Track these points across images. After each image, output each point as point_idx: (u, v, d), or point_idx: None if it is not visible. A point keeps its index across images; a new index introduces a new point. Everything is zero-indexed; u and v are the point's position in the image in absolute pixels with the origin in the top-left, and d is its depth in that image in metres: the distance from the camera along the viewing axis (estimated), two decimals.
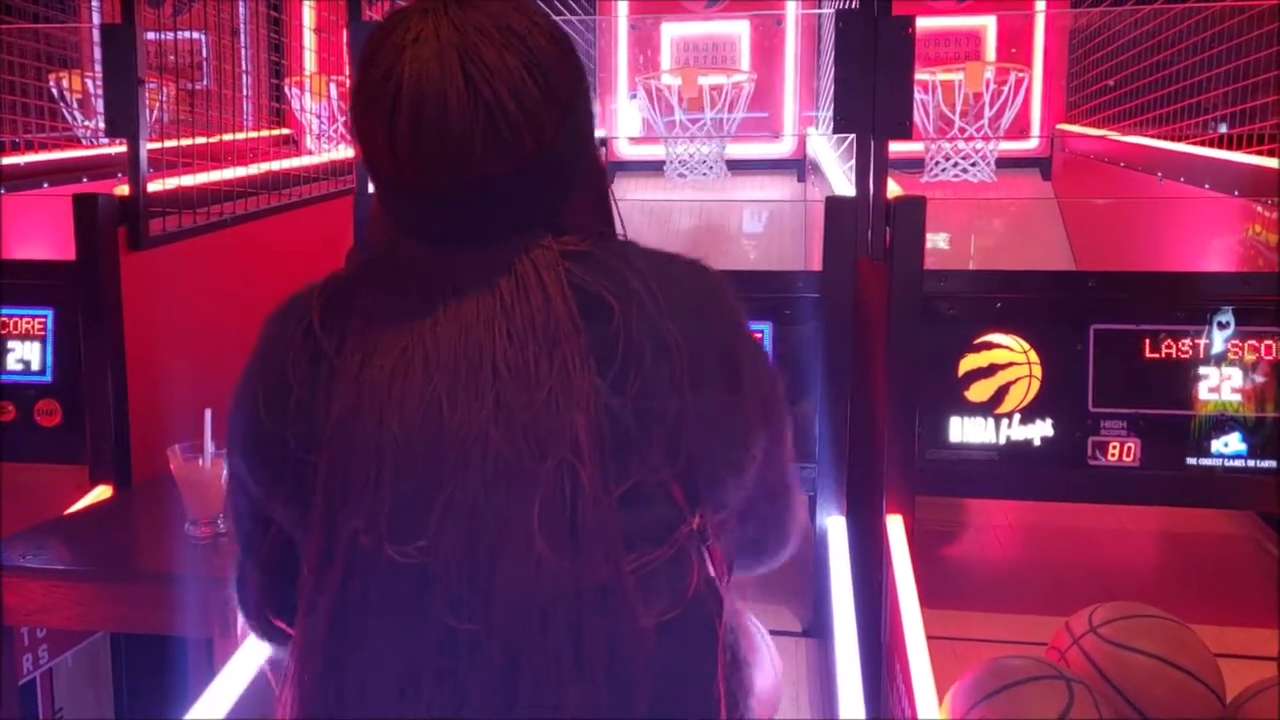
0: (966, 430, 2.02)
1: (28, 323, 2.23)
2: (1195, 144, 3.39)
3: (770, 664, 1.31)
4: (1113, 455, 2.00)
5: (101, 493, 2.17)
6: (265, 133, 4.37)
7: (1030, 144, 5.27)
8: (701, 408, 0.79)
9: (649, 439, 0.77)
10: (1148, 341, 2.00)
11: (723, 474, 0.83)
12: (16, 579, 1.86)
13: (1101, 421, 2.01)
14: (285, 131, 4.65)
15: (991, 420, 2.02)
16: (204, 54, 3.79)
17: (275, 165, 2.87)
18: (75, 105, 4.16)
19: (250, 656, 1.69)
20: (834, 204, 2.08)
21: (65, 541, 2.00)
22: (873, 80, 1.99)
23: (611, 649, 0.74)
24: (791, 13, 5.27)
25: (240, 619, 0.96)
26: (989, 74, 4.88)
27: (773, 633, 2.10)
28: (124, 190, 2.17)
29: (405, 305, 0.78)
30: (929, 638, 1.68)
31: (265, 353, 0.85)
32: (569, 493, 0.73)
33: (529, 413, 0.74)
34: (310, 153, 4.15)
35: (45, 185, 3.15)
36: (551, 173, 0.81)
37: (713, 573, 0.86)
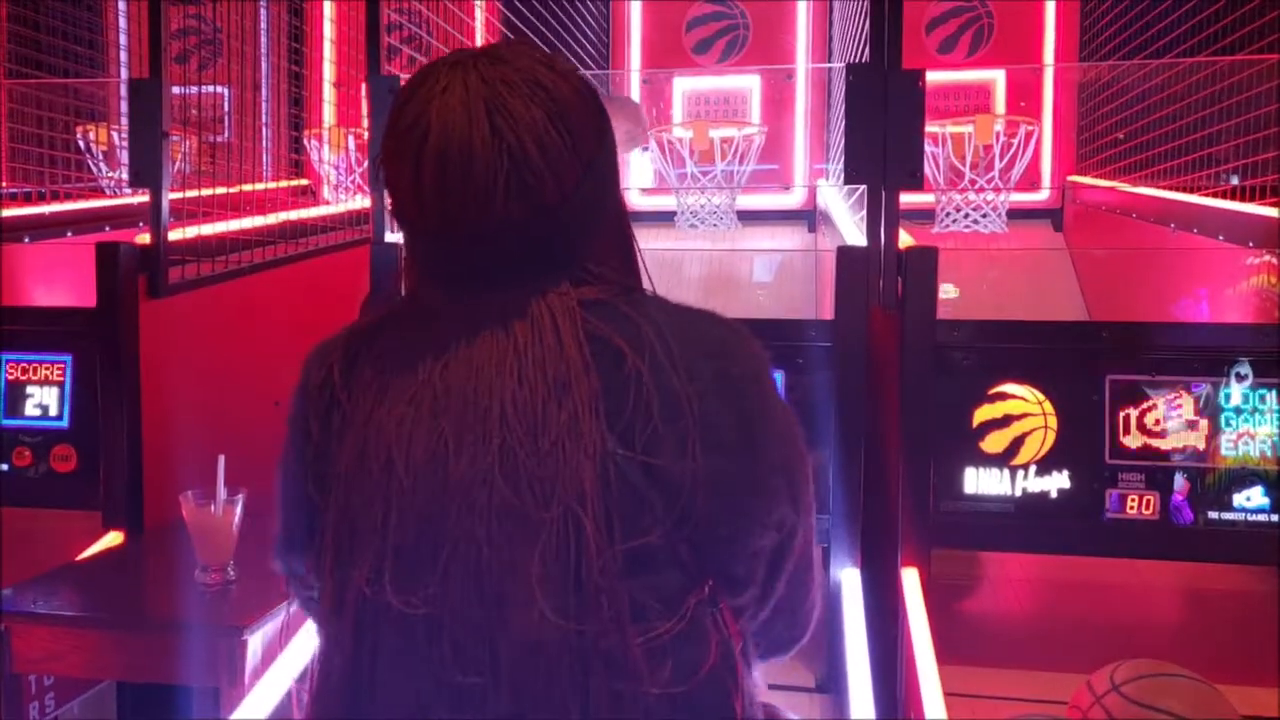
0: (982, 482, 2.00)
1: (47, 368, 2.25)
2: (1207, 195, 3.40)
3: None
4: (1131, 508, 1.98)
5: (113, 539, 2.17)
6: (284, 183, 4.43)
7: (1041, 195, 5.30)
8: (713, 472, 0.78)
9: (656, 498, 0.75)
10: (1164, 392, 1.99)
11: (733, 545, 0.81)
12: (24, 625, 1.85)
13: (1119, 474, 1.99)
14: (304, 182, 4.72)
15: (1007, 472, 2.00)
16: (225, 108, 3.87)
17: (293, 215, 2.91)
18: (100, 157, 4.23)
19: (257, 704, 1.68)
20: (846, 254, 2.09)
21: (74, 588, 1.99)
22: (883, 132, 2.01)
23: (617, 710, 0.73)
24: (802, 67, 5.34)
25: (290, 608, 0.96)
26: (999, 126, 4.92)
27: (785, 688, 2.07)
28: (145, 239, 2.20)
29: (419, 349, 0.79)
30: (946, 694, 1.65)
31: (295, 400, 0.87)
32: (573, 545, 0.72)
33: (535, 459, 0.74)
34: (327, 203, 4.20)
35: (69, 234, 3.19)
36: (572, 220, 0.82)
37: (733, 650, 0.83)
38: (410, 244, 0.86)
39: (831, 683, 2.15)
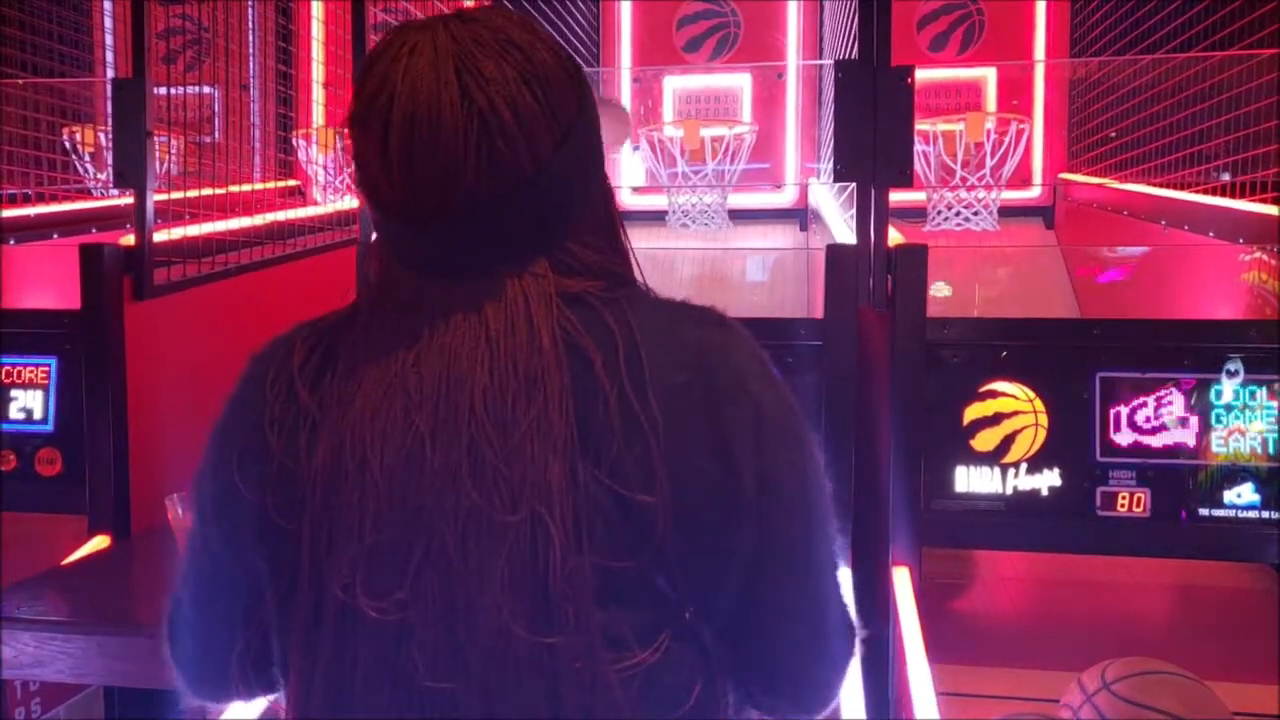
0: (973, 480, 2.00)
1: (31, 371, 2.23)
2: (1198, 192, 3.40)
3: None
4: (1121, 505, 1.98)
5: (99, 543, 2.15)
6: (273, 184, 4.41)
7: (1033, 193, 5.30)
8: (685, 506, 0.71)
9: (625, 528, 0.71)
10: (1154, 389, 1.99)
11: (711, 572, 0.75)
12: (9, 630, 1.83)
13: (1109, 471, 1.98)
14: (293, 183, 4.70)
15: (998, 470, 2.00)
16: (214, 108, 3.85)
17: (280, 215, 2.89)
18: (87, 158, 4.21)
19: (243, 708, 1.66)
20: (835, 252, 2.08)
21: (60, 592, 1.97)
22: (872, 129, 2.00)
23: (585, 713, 0.70)
24: (792, 65, 5.34)
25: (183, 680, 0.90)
26: (990, 124, 4.92)
27: None
28: (130, 240, 2.18)
29: (391, 339, 0.74)
30: (938, 694, 1.64)
31: (240, 410, 0.80)
32: (540, 550, 0.69)
33: (502, 457, 0.70)
34: (316, 203, 4.19)
35: (55, 236, 3.18)
36: (549, 192, 0.76)
37: (717, 682, 0.77)
38: (378, 223, 0.80)
39: None
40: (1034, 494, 1.98)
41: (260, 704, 1.70)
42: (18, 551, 2.30)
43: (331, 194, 4.49)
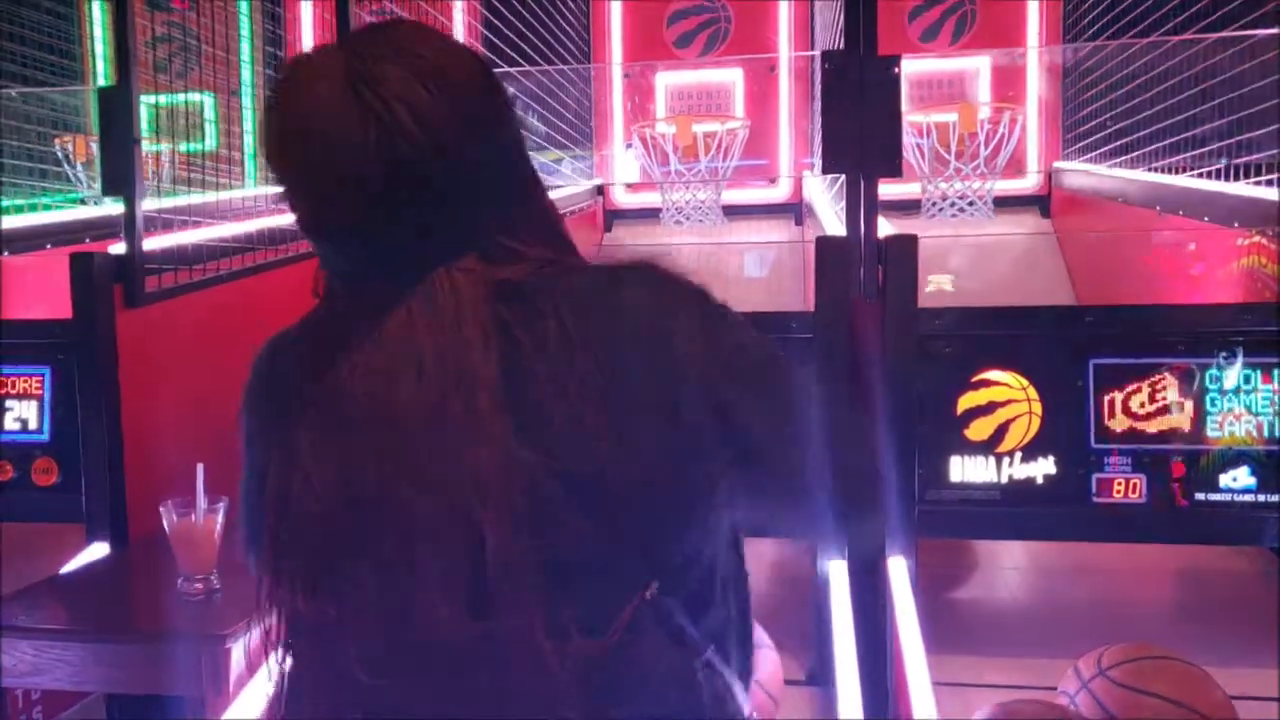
0: (967, 470, 1.99)
1: (25, 381, 2.23)
2: (1193, 177, 3.39)
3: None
4: (1118, 492, 1.97)
5: (97, 550, 2.15)
6: (268, 189, 4.41)
7: (1028, 183, 5.29)
8: (633, 470, 0.71)
9: (571, 506, 0.70)
10: (1149, 375, 1.98)
11: (680, 539, 0.75)
12: (8, 640, 1.84)
13: (1105, 458, 1.98)
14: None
15: (992, 459, 1.99)
16: (209, 114, 3.85)
17: (272, 221, 2.89)
18: (80, 168, 4.22)
19: (243, 712, 1.67)
20: (824, 244, 2.07)
21: (58, 601, 1.98)
22: (860, 120, 1.99)
23: (534, 703, 0.70)
24: (784, 58, 5.33)
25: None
26: (983, 114, 4.92)
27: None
28: (120, 248, 2.19)
29: (327, 355, 0.75)
30: (935, 684, 1.64)
31: (244, 406, 0.85)
32: (474, 542, 0.69)
33: (433, 455, 0.70)
34: None
35: (48, 246, 3.18)
36: (461, 188, 0.75)
37: (694, 660, 0.76)
38: (313, 243, 0.80)
39: (821, 676, 2.14)
40: (1029, 482, 1.98)
41: (259, 708, 1.70)
42: (17, 561, 2.31)
43: None
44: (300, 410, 0.75)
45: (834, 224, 3.24)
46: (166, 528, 1.84)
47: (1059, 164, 5.16)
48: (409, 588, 0.70)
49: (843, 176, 2.66)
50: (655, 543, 0.74)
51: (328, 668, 0.73)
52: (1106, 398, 1.99)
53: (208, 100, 4.25)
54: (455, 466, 0.70)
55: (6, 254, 3.01)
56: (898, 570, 1.90)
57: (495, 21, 4.40)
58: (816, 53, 4.75)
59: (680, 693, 0.75)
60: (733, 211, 5.22)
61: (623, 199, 5.29)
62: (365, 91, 0.73)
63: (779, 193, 5.34)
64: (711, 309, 0.80)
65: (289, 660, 0.76)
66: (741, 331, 0.80)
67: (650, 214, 5.18)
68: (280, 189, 0.79)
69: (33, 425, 2.24)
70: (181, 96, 2.78)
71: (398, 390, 0.72)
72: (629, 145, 5.19)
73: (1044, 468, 1.98)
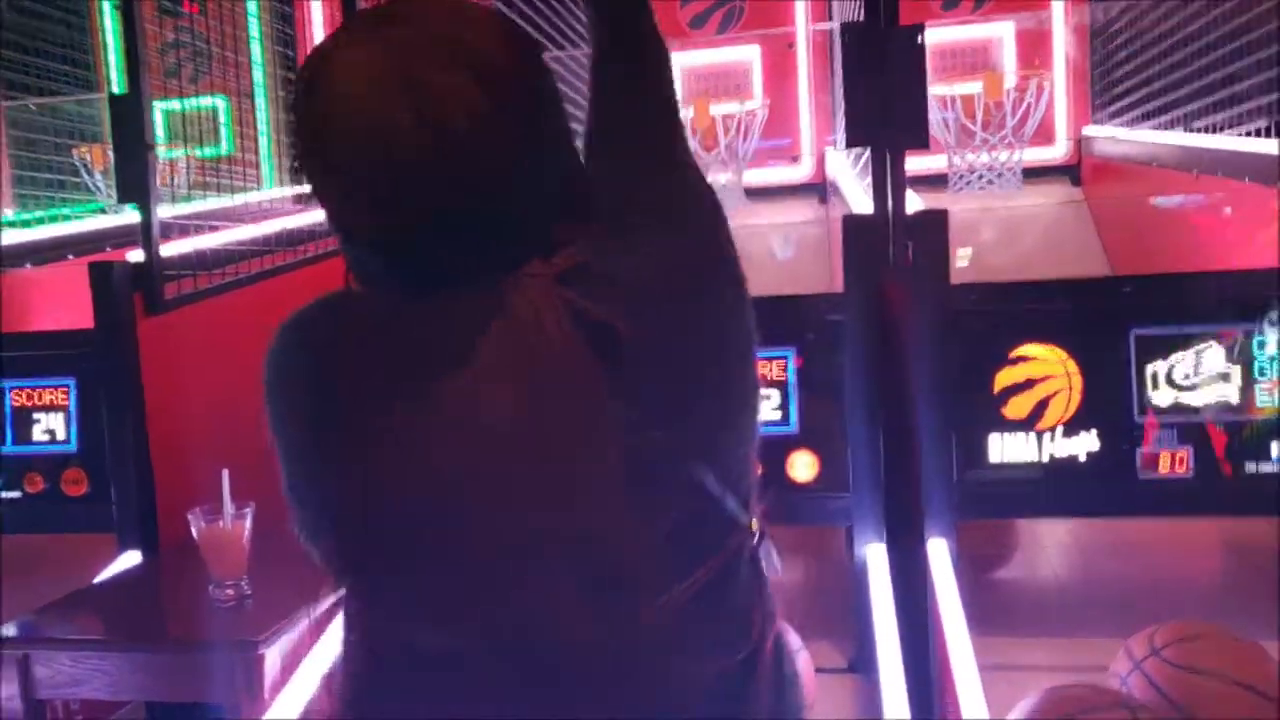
0: (1006, 449, 1.94)
1: (51, 393, 2.24)
2: (1232, 136, 3.29)
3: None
4: (1164, 466, 1.91)
5: (130, 559, 2.15)
6: (286, 190, 4.41)
7: (1057, 151, 5.18)
8: (724, 404, 0.75)
9: (684, 453, 0.71)
10: (1193, 344, 1.92)
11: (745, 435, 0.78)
12: (45, 651, 1.84)
13: (1150, 431, 1.92)
14: (305, 189, 4.68)
15: (1033, 436, 1.94)
16: (222, 119, 3.85)
17: (290, 222, 2.88)
18: (99, 177, 4.24)
19: (284, 711, 1.66)
20: (852, 222, 2.02)
21: (93, 611, 1.98)
22: (883, 93, 1.94)
23: (666, 695, 0.71)
24: (802, 33, 5.24)
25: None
26: (1009, 83, 4.82)
27: (816, 670, 2.02)
28: (138, 256, 2.18)
29: (401, 374, 0.70)
30: (981, 668, 1.60)
31: (281, 390, 0.78)
32: (606, 549, 0.68)
33: (547, 473, 0.68)
34: None
35: (70, 256, 3.19)
36: (526, 190, 0.72)
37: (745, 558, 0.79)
38: (351, 253, 0.76)
39: (862, 663, 2.10)
40: (1072, 459, 1.93)
41: (295, 713, 1.69)
42: (51, 572, 2.32)
43: None
44: (371, 433, 0.71)
45: (860, 201, 3.18)
46: (195, 535, 1.84)
47: (1088, 130, 5.04)
48: (550, 604, 0.68)
49: (868, 151, 2.60)
50: (738, 464, 0.76)
51: (452, 699, 0.70)
52: (1149, 369, 1.93)
53: (221, 104, 4.26)
54: (572, 475, 0.68)
55: (30, 266, 3.03)
56: (938, 552, 1.86)
57: (500, 6, 4.36)
58: (835, 25, 4.67)
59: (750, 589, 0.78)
60: (754, 193, 5.16)
61: None
62: (421, 103, 0.68)
63: (801, 172, 5.26)
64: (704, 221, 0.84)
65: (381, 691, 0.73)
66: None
67: None
68: (308, 189, 0.74)
69: (60, 436, 2.24)
70: (195, 101, 2.78)
71: (494, 402, 0.69)
72: None
73: (1087, 444, 1.93)
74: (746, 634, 0.76)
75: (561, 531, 0.68)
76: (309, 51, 0.75)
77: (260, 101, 4.17)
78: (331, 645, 1.67)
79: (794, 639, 1.24)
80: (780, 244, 4.80)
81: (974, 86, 4.80)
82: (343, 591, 0.80)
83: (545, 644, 0.68)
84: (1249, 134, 3.18)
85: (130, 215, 3.47)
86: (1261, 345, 1.90)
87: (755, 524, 0.79)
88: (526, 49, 0.74)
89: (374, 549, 0.71)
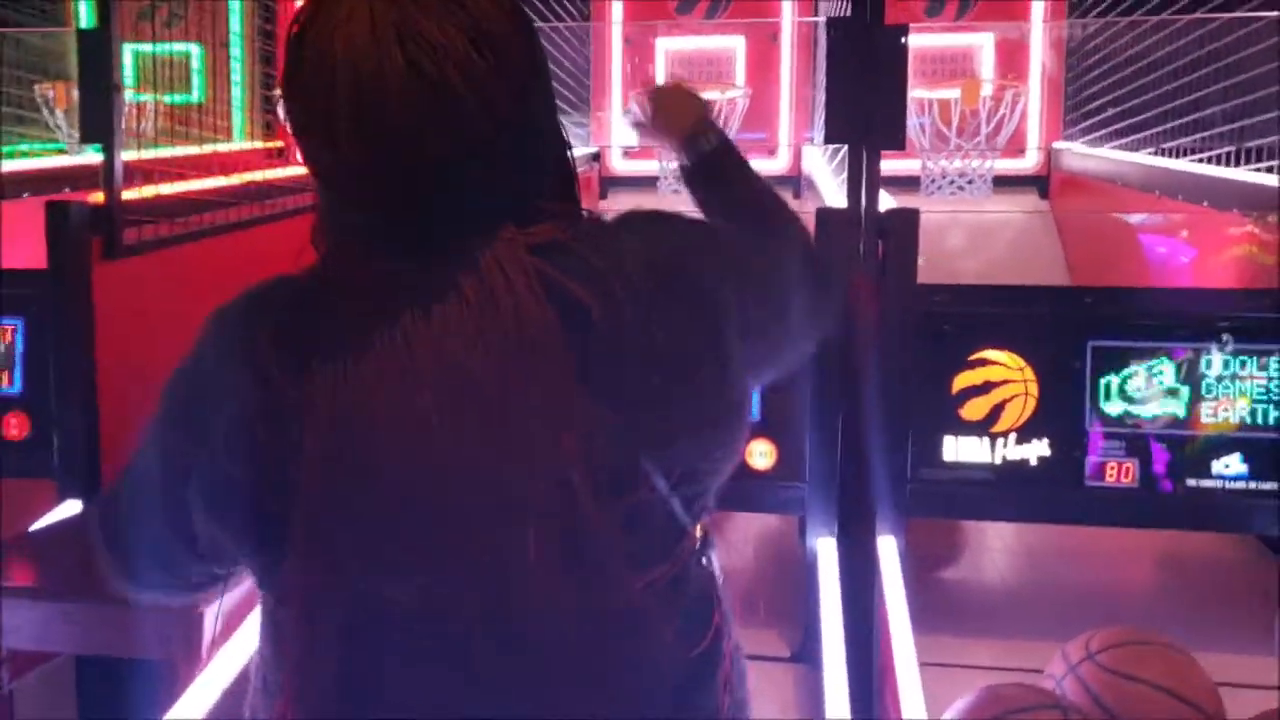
0: (961, 449, 1.97)
1: None
2: (1196, 161, 3.36)
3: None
4: (1110, 476, 1.95)
5: (70, 508, 2.11)
6: (256, 144, 4.34)
7: (1027, 162, 5.24)
8: (693, 405, 0.75)
9: (642, 450, 0.72)
10: (1146, 359, 1.95)
11: (721, 466, 0.80)
12: None
13: (1099, 441, 1.96)
14: (277, 144, 4.61)
15: (987, 439, 1.96)
16: (195, 65, 3.77)
17: (259, 175, 2.83)
18: (60, 115, 4.13)
19: (214, 681, 1.64)
20: (825, 215, 2.03)
21: (27, 559, 1.94)
22: (865, 90, 1.95)
23: (637, 675, 0.72)
24: (787, 26, 5.25)
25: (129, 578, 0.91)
26: (986, 91, 4.87)
27: (759, 658, 2.04)
28: (99, 198, 2.13)
29: (371, 327, 0.71)
30: (921, 664, 1.62)
31: (210, 370, 0.78)
32: (566, 517, 0.69)
33: (515, 432, 0.68)
34: (299, 164, 4.11)
35: (26, 195, 3.10)
36: (508, 155, 0.73)
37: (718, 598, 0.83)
38: (329, 203, 0.77)
39: (807, 653, 2.12)
40: (1023, 464, 1.95)
41: (232, 674, 1.67)
42: None
43: None
44: (341, 379, 0.70)
45: (834, 196, 3.20)
46: None
47: (1058, 144, 5.11)
48: (512, 561, 0.68)
49: (844, 149, 2.61)
50: (702, 476, 0.78)
51: (422, 654, 0.70)
52: (1103, 380, 1.97)
53: (195, 51, 4.17)
54: (535, 438, 0.69)
55: None
56: (887, 549, 1.88)
57: None
58: (821, 20, 4.68)
59: (710, 636, 0.81)
60: None
61: (619, 166, 5.22)
62: (417, 54, 0.69)
63: (778, 164, 5.27)
64: (704, 225, 0.87)
65: (328, 646, 0.71)
66: (727, 234, 0.90)
67: (648, 182, 5.11)
68: (301, 138, 0.75)
69: (4, 379, 2.18)
70: (168, 47, 2.71)
71: (463, 362, 0.69)
72: (627, 111, 5.11)
73: (1038, 449, 1.96)
74: (705, 629, 0.79)
75: (527, 495, 0.68)
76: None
77: (235, 51, 4.09)
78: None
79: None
80: None
81: (951, 93, 4.84)
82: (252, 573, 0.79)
83: (516, 606, 0.69)
84: (1211, 160, 3.24)
85: (92, 157, 3.40)
86: (1209, 365, 1.94)
87: (700, 529, 0.81)
88: (522, 19, 0.75)
89: (340, 501, 0.70)
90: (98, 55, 2.01)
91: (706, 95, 4.81)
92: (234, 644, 1.66)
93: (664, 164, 5.11)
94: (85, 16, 4.13)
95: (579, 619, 0.69)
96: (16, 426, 2.17)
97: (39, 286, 2.11)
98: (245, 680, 1.58)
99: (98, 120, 2.05)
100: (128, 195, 2.18)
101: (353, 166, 0.72)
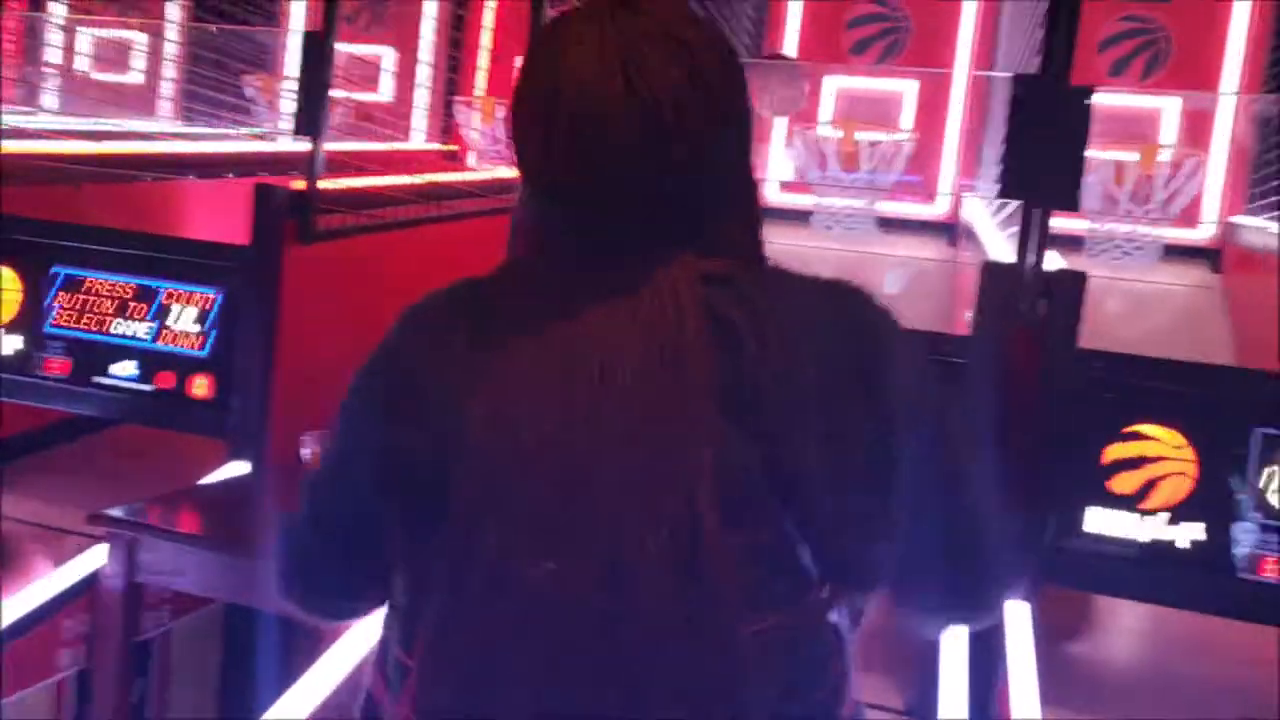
0: (1106, 522, 1.90)
1: (201, 299, 2.36)
2: None
3: None
4: (1267, 570, 1.85)
5: (238, 468, 2.27)
6: (434, 146, 4.55)
7: (1200, 234, 4.99)
8: (839, 470, 0.75)
9: (771, 494, 0.74)
10: None
11: (866, 541, 0.79)
12: (150, 539, 1.96)
13: (1259, 533, 1.86)
14: (452, 148, 4.83)
15: (1135, 515, 1.90)
16: (389, 68, 3.99)
17: (441, 177, 2.98)
18: (264, 105, 4.44)
19: (348, 650, 1.74)
20: (992, 269, 2.01)
21: (198, 509, 2.10)
22: (1045, 148, 1.92)
23: (727, 710, 0.73)
24: (961, 75, 5.16)
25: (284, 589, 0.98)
26: (1165, 156, 4.66)
27: (870, 706, 2.01)
28: (300, 185, 2.29)
29: (545, 318, 0.77)
30: None
31: (396, 359, 0.84)
32: (688, 531, 0.71)
33: (653, 438, 0.72)
34: (471, 169, 4.29)
35: (230, 175, 3.35)
36: (705, 188, 0.79)
37: (846, 650, 0.82)
38: (533, 205, 0.84)
39: (921, 708, 2.08)
40: (1171, 545, 1.88)
41: (370, 639, 1.77)
42: (162, 465, 2.46)
43: (487, 162, 4.60)
44: (509, 365, 0.76)
45: (998, 249, 3.14)
46: (303, 457, 1.93)
47: (1237, 218, 4.85)
48: (633, 560, 0.72)
49: (1011, 203, 2.57)
50: (835, 550, 0.77)
51: (534, 637, 0.74)
52: (1267, 470, 1.87)
53: (388, 53, 4.41)
54: (671, 452, 0.72)
55: (193, 178, 3.20)
56: (1018, 614, 1.84)
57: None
58: (998, 75, 4.59)
59: (841, 692, 0.81)
60: (884, 224, 5.10)
61: (775, 197, 5.22)
62: (637, 81, 0.76)
63: (935, 210, 5.18)
64: (913, 343, 0.86)
65: (462, 616, 0.76)
66: (931, 370, 0.88)
67: (800, 216, 5.10)
68: (520, 143, 0.82)
69: (197, 342, 2.37)
70: (364, 48, 2.89)
71: (621, 365, 0.74)
72: (789, 145, 5.12)
73: (1191, 532, 1.88)
74: (819, 688, 0.79)
75: (655, 502, 0.72)
76: (539, 29, 0.82)
77: (425, 56, 4.30)
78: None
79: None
80: (894, 277, 4.74)
81: (1128, 155, 4.65)
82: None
83: (626, 606, 0.71)
84: None
85: (285, 145, 3.64)
86: None
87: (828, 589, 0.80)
88: (736, 69, 0.82)
89: (496, 483, 0.75)
90: (318, 56, 2.18)
91: (872, 136, 4.75)
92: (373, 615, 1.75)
93: (820, 199, 5.10)
94: (296, 16, 4.44)
95: (680, 635, 0.71)
96: (202, 387, 2.35)
97: (240, 260, 2.29)
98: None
99: (311, 115, 2.21)
100: (323, 185, 2.34)
101: (562, 176, 0.79)
